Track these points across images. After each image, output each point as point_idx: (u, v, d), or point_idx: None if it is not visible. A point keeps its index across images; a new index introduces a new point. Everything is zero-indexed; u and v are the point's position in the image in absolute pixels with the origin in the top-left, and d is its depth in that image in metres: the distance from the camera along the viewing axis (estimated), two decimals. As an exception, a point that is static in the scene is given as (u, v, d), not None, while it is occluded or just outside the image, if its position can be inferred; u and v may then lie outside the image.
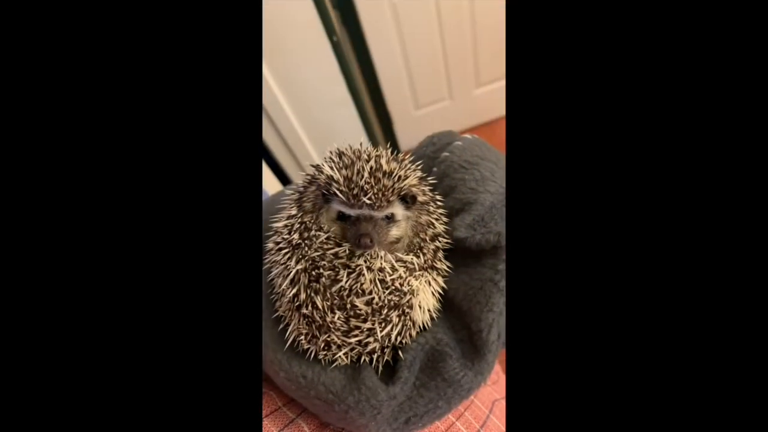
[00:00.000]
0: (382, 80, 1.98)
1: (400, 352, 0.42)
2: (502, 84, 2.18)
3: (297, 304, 0.42)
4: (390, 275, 0.41)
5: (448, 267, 0.46)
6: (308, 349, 0.43)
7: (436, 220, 0.47)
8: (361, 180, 0.42)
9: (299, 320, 0.42)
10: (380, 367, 0.43)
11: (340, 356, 0.42)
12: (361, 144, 0.48)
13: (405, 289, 0.42)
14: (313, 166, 0.48)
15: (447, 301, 0.46)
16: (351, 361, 0.43)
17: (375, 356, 0.43)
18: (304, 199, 0.47)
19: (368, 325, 0.41)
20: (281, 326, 0.45)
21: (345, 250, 0.42)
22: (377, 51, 1.86)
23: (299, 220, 0.45)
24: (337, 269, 0.41)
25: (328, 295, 0.41)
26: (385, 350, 0.43)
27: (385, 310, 0.41)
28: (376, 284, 0.41)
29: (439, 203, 0.48)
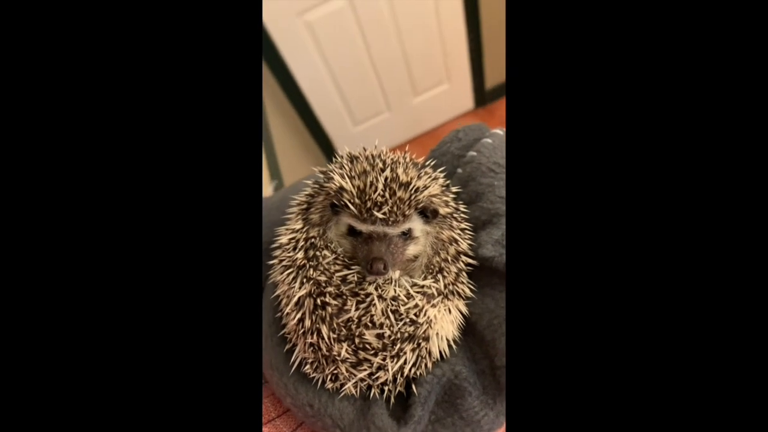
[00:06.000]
0: (312, 102, 1.74)
1: (413, 386, 0.38)
2: (440, 90, 1.97)
3: (302, 330, 0.38)
4: (404, 304, 0.37)
5: (471, 289, 0.41)
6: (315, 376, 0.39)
7: (460, 235, 0.41)
8: (374, 193, 0.36)
9: (305, 347, 0.39)
10: (392, 399, 0.39)
11: (348, 387, 0.38)
12: (375, 147, 0.42)
13: (421, 320, 0.37)
14: (321, 172, 0.42)
15: (469, 326, 0.41)
16: (360, 390, 0.39)
17: (386, 388, 0.39)
18: (312, 209, 0.41)
19: (379, 359, 0.37)
20: (288, 347, 0.41)
21: (354, 275, 0.37)
22: (300, 73, 1.61)
23: (305, 236, 0.40)
24: (344, 297, 0.37)
25: (335, 325, 0.37)
26: (398, 380, 0.39)
27: (398, 344, 0.37)
28: (388, 316, 0.36)
29: (463, 216, 0.42)
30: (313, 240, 0.39)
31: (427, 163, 0.43)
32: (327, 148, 2.01)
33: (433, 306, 0.38)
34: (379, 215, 0.36)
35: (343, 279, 0.38)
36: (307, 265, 0.38)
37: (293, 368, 0.40)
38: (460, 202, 0.43)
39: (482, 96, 2.12)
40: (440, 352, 0.39)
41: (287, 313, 0.40)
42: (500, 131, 0.48)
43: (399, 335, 0.36)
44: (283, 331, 0.42)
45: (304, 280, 0.38)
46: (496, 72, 1.99)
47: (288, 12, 1.37)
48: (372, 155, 0.40)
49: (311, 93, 1.68)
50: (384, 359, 0.37)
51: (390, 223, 0.37)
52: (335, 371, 0.37)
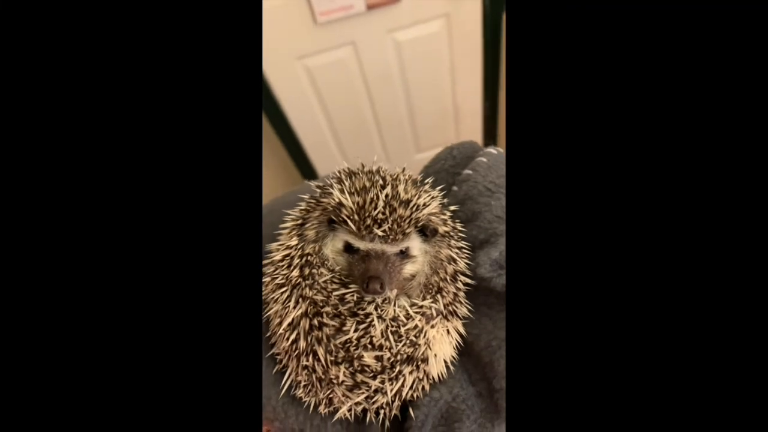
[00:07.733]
0: (309, 151, 1.65)
1: (410, 409, 0.37)
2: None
3: (296, 352, 0.37)
4: (404, 325, 0.36)
5: (469, 309, 0.41)
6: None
7: (458, 254, 0.40)
8: (374, 210, 0.35)
9: (298, 369, 0.37)
10: (387, 423, 0.38)
11: (343, 411, 0.37)
12: (373, 162, 0.41)
13: (421, 341, 0.36)
14: (318, 187, 0.41)
15: (465, 346, 0.41)
16: (355, 413, 0.38)
17: (382, 412, 0.38)
18: (307, 225, 0.40)
19: (377, 382, 0.35)
20: (277, 367, 0.40)
21: (353, 294, 0.36)
22: (296, 118, 1.51)
23: (300, 252, 0.38)
24: (342, 317, 0.36)
25: (332, 346, 0.35)
26: (394, 403, 0.38)
27: (398, 366, 0.36)
28: (387, 337, 0.35)
29: (460, 234, 0.42)
30: (308, 257, 0.38)
31: (426, 181, 0.43)
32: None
33: (432, 327, 0.37)
34: (379, 232, 0.35)
35: (341, 298, 0.36)
36: (303, 284, 0.37)
37: (283, 390, 0.38)
38: (457, 221, 0.42)
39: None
40: (438, 375, 0.39)
41: (279, 334, 0.38)
42: (493, 150, 0.49)
43: (398, 357, 0.35)
44: (271, 352, 0.40)
45: (300, 299, 0.36)
46: (510, 137, 1.91)
47: (287, 55, 1.30)
48: (371, 171, 0.39)
49: (306, 138, 1.60)
50: (382, 382, 0.35)
51: (389, 240, 0.36)
52: (330, 395, 0.36)
